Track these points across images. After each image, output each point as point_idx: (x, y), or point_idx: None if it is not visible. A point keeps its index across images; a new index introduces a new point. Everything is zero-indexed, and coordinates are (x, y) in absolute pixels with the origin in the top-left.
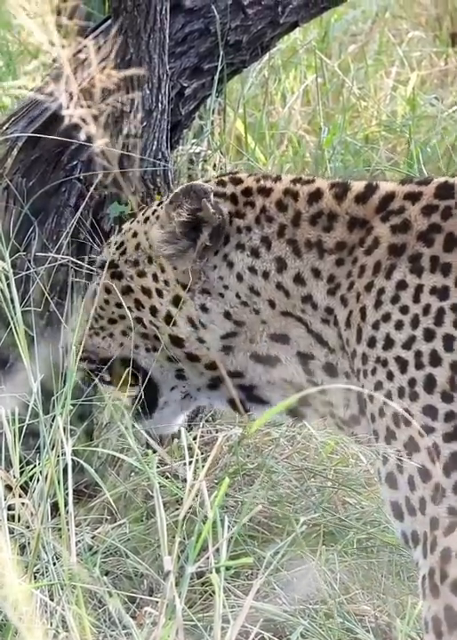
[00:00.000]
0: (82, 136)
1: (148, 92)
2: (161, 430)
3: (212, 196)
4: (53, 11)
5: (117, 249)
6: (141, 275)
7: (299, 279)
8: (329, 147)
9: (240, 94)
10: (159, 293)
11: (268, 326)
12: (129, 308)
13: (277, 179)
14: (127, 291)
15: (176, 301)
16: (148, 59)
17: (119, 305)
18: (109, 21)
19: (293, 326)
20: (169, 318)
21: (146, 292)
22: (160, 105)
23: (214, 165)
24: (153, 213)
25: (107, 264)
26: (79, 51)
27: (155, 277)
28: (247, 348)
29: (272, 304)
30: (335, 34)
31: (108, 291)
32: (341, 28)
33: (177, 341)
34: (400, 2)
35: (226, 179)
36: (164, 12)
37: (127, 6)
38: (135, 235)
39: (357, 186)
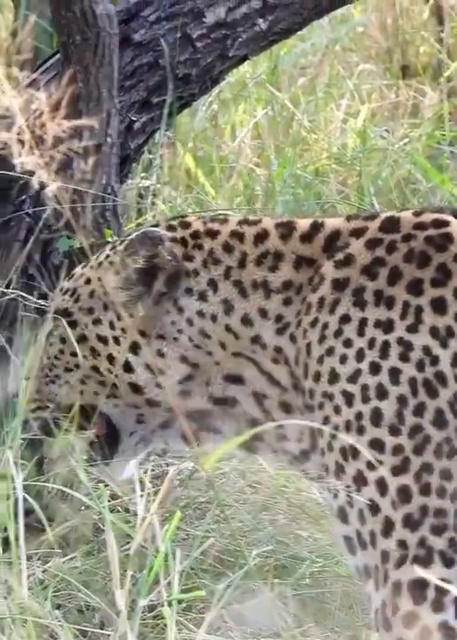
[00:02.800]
0: (35, 182)
1: (97, 126)
2: (115, 475)
3: (166, 242)
4: (4, 63)
5: (71, 296)
6: (97, 322)
7: (246, 320)
8: (279, 180)
9: (189, 128)
10: (116, 341)
11: (222, 368)
12: (84, 356)
13: (225, 221)
14: (82, 339)
15: (134, 348)
16: (96, 92)
17: (74, 354)
18: (58, 56)
19: (246, 366)
20: (127, 366)
21: (102, 339)
22: (109, 139)
23: (163, 199)
24: (106, 259)
25: (56, 312)
26: (31, 100)
27: (111, 325)
28: (204, 392)
29: (223, 346)
30: (285, 67)
31: (62, 340)
32: (291, 61)
33: (136, 388)
34: (350, 34)
35: (175, 223)
36: (113, 45)
37: (76, 40)
38: (89, 282)
39: (303, 225)
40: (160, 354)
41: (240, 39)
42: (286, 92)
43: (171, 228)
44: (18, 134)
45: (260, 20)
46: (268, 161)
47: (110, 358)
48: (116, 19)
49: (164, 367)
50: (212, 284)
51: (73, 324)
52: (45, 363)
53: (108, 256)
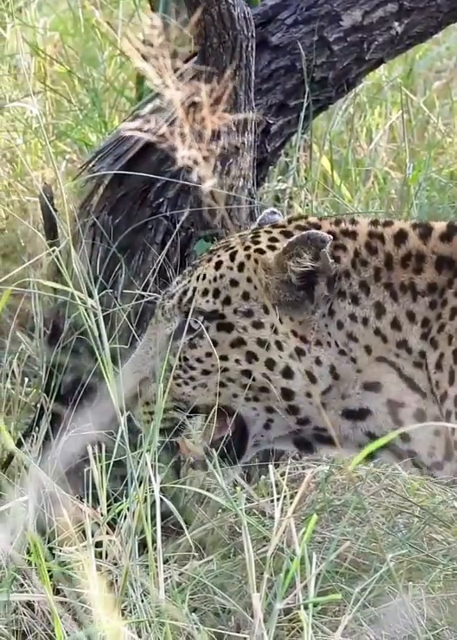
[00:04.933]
0: (194, 177)
1: (237, 132)
2: (228, 476)
3: (328, 244)
4: (170, 54)
5: (215, 297)
6: (258, 326)
7: (395, 324)
8: (415, 183)
9: (326, 131)
10: (279, 346)
11: (362, 374)
12: (237, 360)
13: (353, 221)
14: (239, 343)
15: (298, 354)
16: (234, 96)
17: (224, 357)
18: (195, 58)
19: (386, 372)
20: (287, 371)
21: (262, 343)
22: (246, 142)
23: (300, 202)
24: (248, 259)
25: (200, 314)
26: (193, 93)
27: (273, 329)
28: (338, 406)
29: (368, 350)
30: (420, 70)
31: (214, 343)
32: (426, 65)
33: (288, 395)
34: None
35: (303, 223)
36: (250, 49)
37: (213, 43)
38: (235, 283)
39: (440, 225)
40: (318, 361)
41: (376, 42)
42: (422, 96)
43: (300, 228)
44: (179, 128)
45: (396, 24)
46: (404, 164)
47: (270, 363)
48: (254, 22)
49: (319, 376)
50: (364, 286)
51: (227, 327)
52: (178, 364)
53: (249, 256)
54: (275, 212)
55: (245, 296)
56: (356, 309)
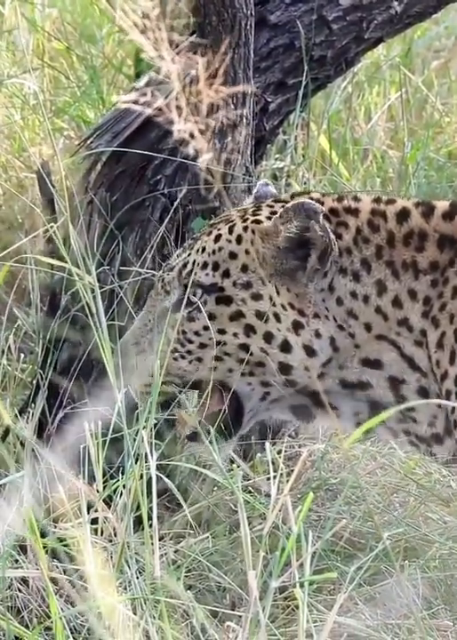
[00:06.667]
0: (190, 150)
1: (233, 106)
2: (223, 452)
3: (321, 216)
4: (166, 27)
5: (214, 270)
6: (257, 298)
7: (397, 302)
8: (413, 163)
9: (324, 109)
10: (277, 318)
11: (361, 351)
12: (235, 334)
13: (356, 198)
14: (238, 316)
15: (295, 327)
16: (232, 73)
17: (222, 331)
18: (194, 37)
19: (387, 350)
20: (285, 345)
21: (261, 316)
22: (244, 120)
23: (298, 181)
24: (245, 231)
25: (200, 288)
26: (190, 65)
27: (271, 300)
28: (336, 375)
29: (368, 327)
30: (419, 50)
31: (211, 316)
32: (425, 44)
33: (285, 369)
34: None
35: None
36: (248, 27)
37: (212, 21)
38: (234, 256)
39: (442, 204)
40: (317, 334)
41: (375, 22)
42: (420, 75)
43: None
44: (175, 100)
45: (396, 3)
46: (402, 143)
47: (267, 336)
48: (253, 0)
49: (318, 349)
50: (366, 263)
51: (226, 300)
52: (175, 338)
53: (246, 228)
54: (268, 184)
55: (244, 268)
56: (357, 287)
